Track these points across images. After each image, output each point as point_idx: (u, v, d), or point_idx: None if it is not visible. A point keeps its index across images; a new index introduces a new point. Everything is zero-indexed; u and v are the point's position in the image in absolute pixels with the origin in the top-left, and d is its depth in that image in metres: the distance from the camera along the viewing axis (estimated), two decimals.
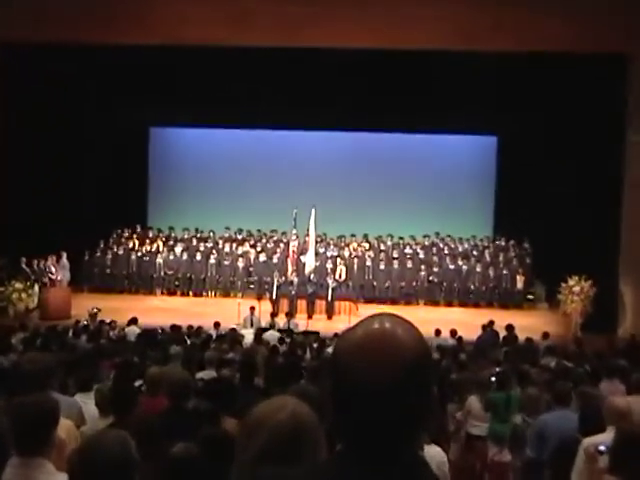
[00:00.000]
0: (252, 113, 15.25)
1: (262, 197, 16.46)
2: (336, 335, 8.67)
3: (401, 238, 15.80)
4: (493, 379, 5.39)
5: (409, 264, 14.83)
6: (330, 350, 7.62)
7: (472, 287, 14.71)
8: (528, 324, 11.30)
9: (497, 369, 6.14)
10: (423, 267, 14.72)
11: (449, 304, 14.67)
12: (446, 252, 15.32)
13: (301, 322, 11.50)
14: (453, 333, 9.56)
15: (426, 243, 15.75)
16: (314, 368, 5.50)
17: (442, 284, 14.79)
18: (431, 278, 14.68)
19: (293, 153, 16.81)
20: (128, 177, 15.88)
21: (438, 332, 9.64)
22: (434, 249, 15.43)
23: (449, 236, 15.90)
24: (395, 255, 15.08)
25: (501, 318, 10.69)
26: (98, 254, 15.24)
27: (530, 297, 14.88)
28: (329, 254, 14.94)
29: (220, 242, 15.72)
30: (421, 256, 15.20)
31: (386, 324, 0.98)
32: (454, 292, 14.79)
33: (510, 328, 9.49)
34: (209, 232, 16.05)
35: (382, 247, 15.50)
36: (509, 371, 5.67)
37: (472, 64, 13.17)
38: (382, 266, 14.78)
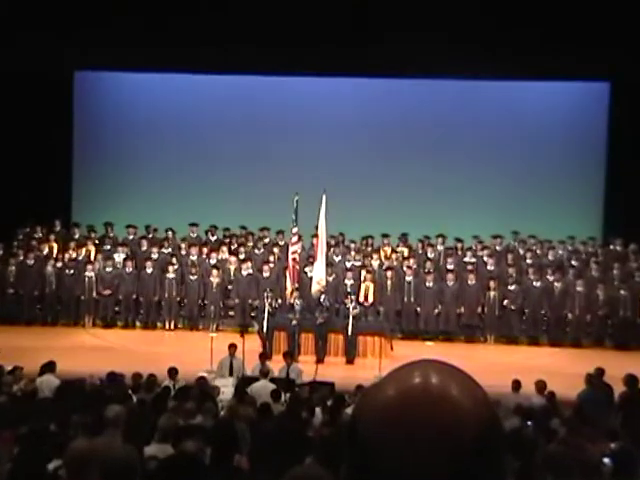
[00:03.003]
0: (228, 48, 15.28)
1: (245, 177, 16.53)
2: (359, 389, 8.69)
3: (459, 240, 15.80)
4: (607, 460, 5.35)
5: (471, 280, 14.81)
6: (350, 412, 7.63)
7: (570, 315, 14.67)
8: None
9: (613, 445, 6.12)
10: (493, 285, 14.70)
11: (534, 342, 14.63)
12: (529, 261, 15.30)
13: (307, 368, 11.53)
14: (541, 387, 9.54)
15: (498, 248, 15.76)
16: (326, 439, 5.49)
17: (523, 311, 14.77)
18: (506, 302, 14.66)
19: (291, 109, 16.85)
20: (42, 147, 15.99)
21: (517, 385, 9.67)
22: (510, 257, 15.42)
23: (533, 237, 15.88)
24: (450, 266, 15.09)
25: (617, 364, 10.67)
26: None
27: None
28: (349, 264, 14.97)
29: (183, 246, 15.81)
30: (490, 267, 15.20)
31: (432, 378, 1.00)
32: (541, 323, 14.75)
33: (632, 381, 9.43)
34: (166, 231, 16.15)
35: (429, 254, 15.52)
36: (632, 448, 5.64)
37: None
38: (429, 283, 14.78)
